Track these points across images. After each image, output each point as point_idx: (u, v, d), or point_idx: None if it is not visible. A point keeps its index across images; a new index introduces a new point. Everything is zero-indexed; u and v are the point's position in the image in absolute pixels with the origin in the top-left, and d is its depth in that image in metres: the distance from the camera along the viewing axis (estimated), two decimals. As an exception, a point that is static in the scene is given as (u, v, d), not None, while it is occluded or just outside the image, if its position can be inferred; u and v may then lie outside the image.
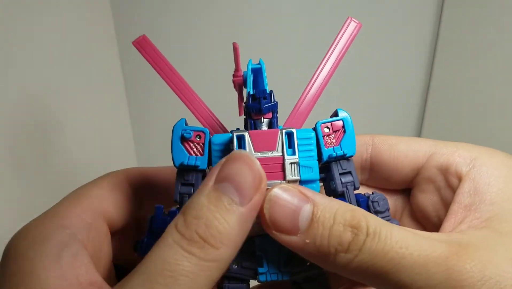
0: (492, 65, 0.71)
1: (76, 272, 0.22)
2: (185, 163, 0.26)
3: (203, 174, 0.27)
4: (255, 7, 0.78)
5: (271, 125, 0.27)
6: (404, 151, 0.30)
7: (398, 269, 0.21)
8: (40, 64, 0.59)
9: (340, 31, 0.30)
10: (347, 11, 0.70)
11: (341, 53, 0.30)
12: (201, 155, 0.26)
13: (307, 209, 0.23)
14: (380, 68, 0.82)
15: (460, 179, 0.27)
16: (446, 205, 0.28)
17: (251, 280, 0.27)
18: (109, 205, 0.28)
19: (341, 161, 0.27)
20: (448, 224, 0.26)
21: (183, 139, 0.26)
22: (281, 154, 0.26)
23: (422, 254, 0.21)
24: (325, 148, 0.27)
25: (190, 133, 0.26)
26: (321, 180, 0.28)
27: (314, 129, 0.27)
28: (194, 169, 0.26)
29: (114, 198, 0.29)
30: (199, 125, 0.28)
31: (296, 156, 0.26)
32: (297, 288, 0.27)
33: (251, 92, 0.27)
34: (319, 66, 0.29)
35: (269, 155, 0.25)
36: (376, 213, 0.26)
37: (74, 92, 0.67)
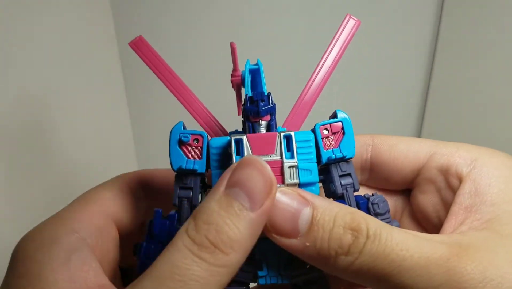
0: (492, 65, 0.71)
1: (85, 275, 0.23)
2: (183, 167, 0.26)
3: (202, 178, 0.27)
4: (253, 8, 0.77)
5: (269, 128, 0.27)
6: (404, 151, 0.30)
7: (399, 271, 0.21)
8: (40, 64, 0.59)
9: (339, 29, 0.29)
10: (347, 11, 0.69)
11: (340, 51, 0.29)
12: (199, 158, 0.26)
13: (306, 212, 0.23)
14: (380, 68, 0.82)
15: (460, 180, 0.27)
16: (447, 205, 0.28)
17: (251, 283, 0.27)
18: (119, 208, 0.29)
19: (340, 163, 0.27)
20: (448, 225, 0.25)
21: (181, 143, 0.26)
22: (279, 157, 0.25)
23: (423, 255, 0.21)
24: (324, 150, 0.26)
25: (188, 137, 0.26)
26: (321, 182, 0.28)
27: (313, 131, 0.27)
28: (192, 172, 0.26)
29: (125, 201, 0.29)
30: (197, 126, 0.28)
31: (295, 159, 0.25)
32: None
33: (249, 95, 0.27)
34: (317, 66, 0.29)
35: (268, 158, 0.25)
36: (376, 215, 0.26)
37: (74, 93, 0.67)
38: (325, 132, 0.27)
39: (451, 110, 0.79)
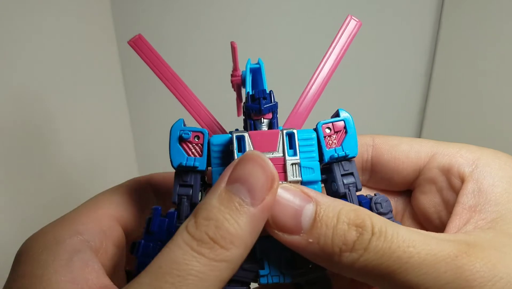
0: (492, 65, 0.71)
1: (87, 277, 0.23)
2: (184, 164, 0.25)
3: (202, 175, 0.26)
4: (254, 7, 0.78)
5: (271, 126, 0.26)
6: (406, 151, 0.30)
7: (405, 269, 0.20)
8: (40, 64, 0.59)
9: (340, 30, 0.30)
10: (347, 11, 0.69)
11: (342, 52, 0.29)
12: (200, 155, 0.26)
13: (310, 208, 0.23)
14: (380, 68, 0.83)
15: (462, 180, 0.27)
16: (448, 206, 0.28)
17: (252, 283, 0.26)
18: (126, 213, 0.29)
19: (342, 162, 0.27)
20: (452, 225, 0.25)
21: (181, 140, 0.26)
22: (282, 154, 0.25)
23: (430, 253, 0.21)
24: (327, 149, 0.26)
25: (188, 134, 0.25)
26: (323, 181, 0.27)
27: (315, 130, 0.26)
28: (192, 170, 0.25)
29: (133, 205, 0.29)
30: (197, 126, 0.28)
31: (297, 157, 0.25)
32: None
33: (251, 93, 0.26)
34: (319, 66, 0.29)
35: (270, 155, 0.25)
36: (379, 214, 0.26)
37: (74, 92, 0.67)
38: (327, 131, 0.26)
39: (452, 111, 0.79)
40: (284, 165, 0.25)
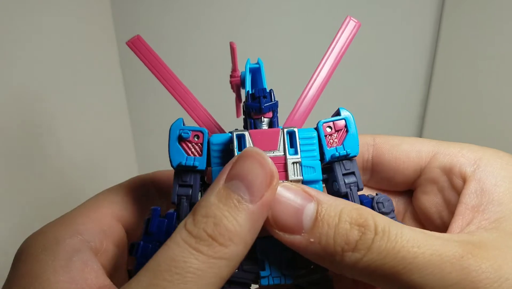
0: (493, 65, 0.71)
1: (86, 276, 0.23)
2: (183, 163, 0.25)
3: (202, 175, 0.26)
4: (253, 7, 0.78)
5: (271, 125, 0.26)
6: (407, 151, 0.30)
7: (409, 269, 0.20)
8: (40, 64, 0.59)
9: (339, 30, 0.29)
10: (347, 11, 0.70)
11: (341, 53, 0.29)
12: (200, 155, 0.25)
13: (311, 207, 0.22)
14: (380, 67, 0.83)
15: (464, 180, 0.27)
16: (450, 206, 0.28)
17: (252, 284, 0.26)
18: (128, 212, 0.29)
19: (344, 161, 0.26)
20: (455, 225, 0.25)
21: (181, 140, 0.25)
22: (283, 153, 0.25)
23: (435, 253, 0.20)
24: (328, 148, 0.26)
25: (188, 133, 0.25)
26: (324, 181, 0.27)
27: (316, 128, 0.26)
28: (192, 169, 0.25)
29: (135, 204, 0.29)
30: (196, 126, 0.27)
31: (299, 156, 0.25)
32: None
33: (250, 92, 0.26)
34: (318, 66, 0.29)
35: (271, 154, 0.25)
36: (381, 214, 0.25)
37: (73, 92, 0.67)
38: (328, 130, 0.26)
39: (452, 110, 0.79)
40: (285, 164, 0.25)
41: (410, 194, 0.32)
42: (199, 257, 0.20)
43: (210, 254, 0.20)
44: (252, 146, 0.25)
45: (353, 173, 0.26)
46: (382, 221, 0.21)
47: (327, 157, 0.26)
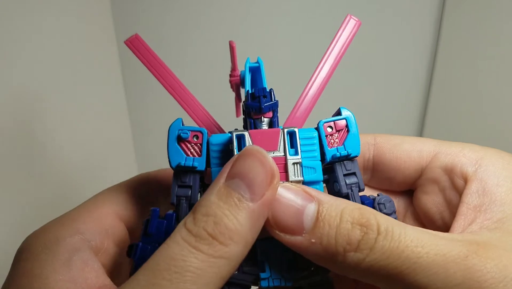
0: (494, 65, 0.71)
1: (86, 276, 0.23)
2: (182, 164, 0.25)
3: (201, 175, 0.26)
4: (253, 6, 0.78)
5: (271, 124, 0.26)
6: (408, 150, 0.30)
7: (414, 269, 0.20)
8: (40, 64, 0.59)
9: (339, 29, 0.29)
10: (347, 10, 0.69)
11: (341, 51, 0.29)
12: (199, 155, 0.25)
13: (311, 207, 0.22)
14: (381, 67, 0.82)
15: (465, 180, 0.26)
16: (451, 206, 0.28)
17: (252, 286, 0.26)
18: (129, 211, 0.28)
19: (345, 162, 0.26)
20: (457, 225, 0.25)
21: (180, 140, 0.25)
22: (283, 154, 0.25)
23: (439, 253, 0.20)
24: (328, 148, 0.26)
25: (187, 134, 0.25)
26: (324, 181, 0.27)
27: (317, 128, 0.26)
28: (191, 170, 0.25)
29: (138, 202, 0.29)
30: (195, 126, 0.27)
31: (299, 156, 0.25)
32: None
33: (250, 91, 0.26)
34: (319, 65, 0.29)
35: (271, 155, 0.24)
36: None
37: (73, 92, 0.67)
38: (329, 130, 0.26)
39: (453, 110, 0.79)
40: (286, 164, 0.24)
41: (410, 194, 0.32)
42: (198, 256, 0.20)
43: (210, 253, 0.20)
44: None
45: (354, 174, 0.26)
46: (384, 220, 0.21)
47: (328, 157, 0.25)
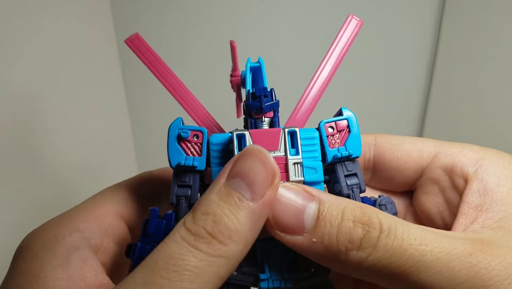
0: (493, 65, 0.71)
1: (84, 274, 0.23)
2: (182, 163, 0.24)
3: (201, 175, 0.25)
4: (254, 6, 0.78)
5: (272, 124, 0.26)
6: (408, 151, 0.30)
7: (417, 268, 0.20)
8: (40, 63, 0.59)
9: (341, 29, 0.29)
10: (348, 10, 0.69)
11: (343, 51, 0.29)
12: (199, 155, 0.25)
13: (312, 206, 0.22)
14: (381, 67, 0.82)
15: (466, 180, 0.26)
16: (451, 206, 0.28)
17: (252, 287, 0.25)
18: (131, 209, 0.28)
19: (346, 162, 0.26)
20: (459, 224, 0.25)
21: (180, 139, 0.25)
22: (283, 153, 0.24)
23: (443, 251, 0.20)
24: (330, 149, 0.25)
25: (187, 133, 0.25)
26: (325, 182, 0.27)
27: (318, 129, 0.26)
28: (191, 169, 0.25)
29: (140, 201, 0.29)
30: (195, 125, 0.27)
31: (300, 156, 0.24)
32: None
33: (251, 91, 0.26)
34: (320, 64, 0.29)
35: (272, 155, 0.24)
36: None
37: (74, 93, 0.67)
38: (330, 130, 0.26)
39: (452, 110, 0.79)
40: (286, 164, 0.24)
41: (411, 195, 0.32)
42: (197, 254, 0.20)
43: (209, 252, 0.20)
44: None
45: (355, 174, 0.26)
46: (387, 219, 0.21)
47: (329, 158, 0.25)
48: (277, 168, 0.22)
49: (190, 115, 0.28)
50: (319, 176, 0.25)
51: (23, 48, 0.55)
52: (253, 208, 0.21)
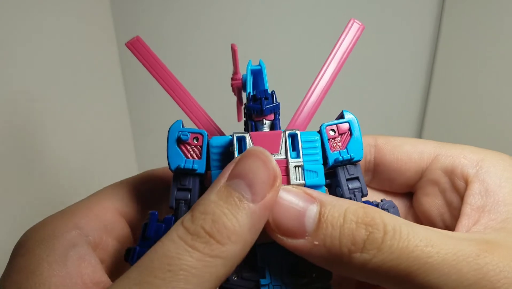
0: (493, 65, 0.71)
1: (82, 271, 0.22)
2: (182, 166, 0.24)
3: (201, 178, 0.25)
4: (255, 8, 0.77)
5: (273, 127, 0.26)
6: (408, 152, 0.30)
7: (425, 270, 0.19)
8: (40, 64, 0.59)
9: (343, 33, 0.29)
10: (348, 11, 0.69)
11: (345, 55, 0.29)
12: (199, 158, 0.25)
13: (313, 209, 0.22)
14: (381, 67, 0.82)
15: (466, 181, 0.26)
16: (451, 208, 0.28)
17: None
18: (132, 207, 0.28)
19: (347, 166, 0.26)
20: (461, 226, 0.25)
21: (180, 142, 0.25)
22: (284, 156, 0.24)
23: (450, 252, 0.20)
24: (331, 152, 0.25)
25: (187, 135, 0.25)
26: (327, 186, 0.26)
27: (319, 132, 0.26)
28: (191, 172, 0.25)
29: (142, 199, 0.29)
30: (195, 128, 0.27)
31: (301, 159, 0.24)
32: None
33: (252, 93, 0.25)
34: (322, 68, 0.28)
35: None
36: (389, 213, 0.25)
37: (74, 93, 0.67)
38: (332, 133, 0.26)
39: (452, 110, 0.79)
40: (287, 168, 0.24)
41: (411, 196, 0.32)
42: (194, 254, 0.19)
43: (206, 252, 0.20)
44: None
45: (357, 178, 0.25)
46: (391, 219, 0.21)
47: (330, 161, 0.25)
48: (278, 170, 0.22)
49: (190, 118, 0.28)
50: (321, 179, 0.25)
51: (23, 48, 0.55)
52: (253, 209, 0.21)
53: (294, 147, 0.24)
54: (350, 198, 0.25)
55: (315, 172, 0.25)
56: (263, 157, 0.21)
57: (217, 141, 0.25)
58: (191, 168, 0.24)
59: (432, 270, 0.19)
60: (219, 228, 0.20)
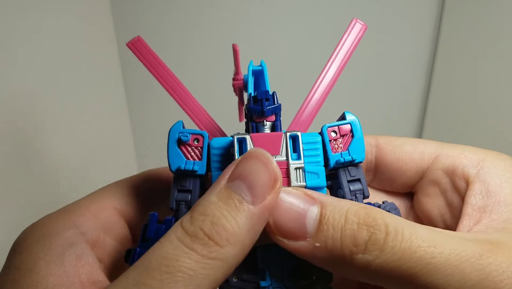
0: (493, 65, 0.71)
1: (79, 270, 0.22)
2: (182, 168, 0.24)
3: (202, 180, 0.25)
4: (256, 8, 0.77)
5: (274, 128, 0.25)
6: (409, 152, 0.29)
7: (428, 270, 0.19)
8: (40, 64, 0.59)
9: (345, 33, 0.29)
10: (348, 11, 0.69)
11: (347, 56, 0.28)
12: (199, 159, 0.25)
13: (314, 210, 0.21)
14: (381, 67, 0.82)
15: (467, 182, 0.26)
16: (452, 208, 0.28)
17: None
18: (131, 206, 0.28)
19: (349, 168, 0.25)
20: (462, 226, 0.24)
21: (180, 143, 0.25)
22: (285, 158, 0.24)
23: (453, 252, 0.20)
24: (332, 153, 0.25)
25: (187, 137, 0.24)
26: (328, 188, 0.26)
27: (320, 133, 0.25)
28: (191, 174, 0.24)
29: (141, 199, 0.28)
30: (196, 129, 0.27)
31: (301, 161, 0.24)
32: None
33: (253, 94, 0.25)
34: (324, 68, 0.28)
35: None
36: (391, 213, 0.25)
37: (73, 93, 0.67)
38: (333, 134, 0.25)
39: (452, 110, 0.79)
40: (288, 169, 0.24)
41: (411, 197, 0.32)
42: (192, 256, 0.19)
43: (205, 254, 0.19)
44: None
45: (358, 180, 0.25)
46: (393, 220, 0.21)
47: (332, 163, 0.25)
48: (279, 172, 0.22)
49: (192, 118, 0.28)
50: (322, 181, 0.24)
51: (23, 48, 0.55)
52: (253, 212, 0.20)
53: (295, 149, 0.24)
54: (352, 200, 0.25)
55: (316, 173, 0.24)
56: (264, 158, 0.21)
57: (218, 142, 0.25)
58: (191, 169, 0.24)
59: (435, 270, 0.19)
60: (218, 230, 0.20)
